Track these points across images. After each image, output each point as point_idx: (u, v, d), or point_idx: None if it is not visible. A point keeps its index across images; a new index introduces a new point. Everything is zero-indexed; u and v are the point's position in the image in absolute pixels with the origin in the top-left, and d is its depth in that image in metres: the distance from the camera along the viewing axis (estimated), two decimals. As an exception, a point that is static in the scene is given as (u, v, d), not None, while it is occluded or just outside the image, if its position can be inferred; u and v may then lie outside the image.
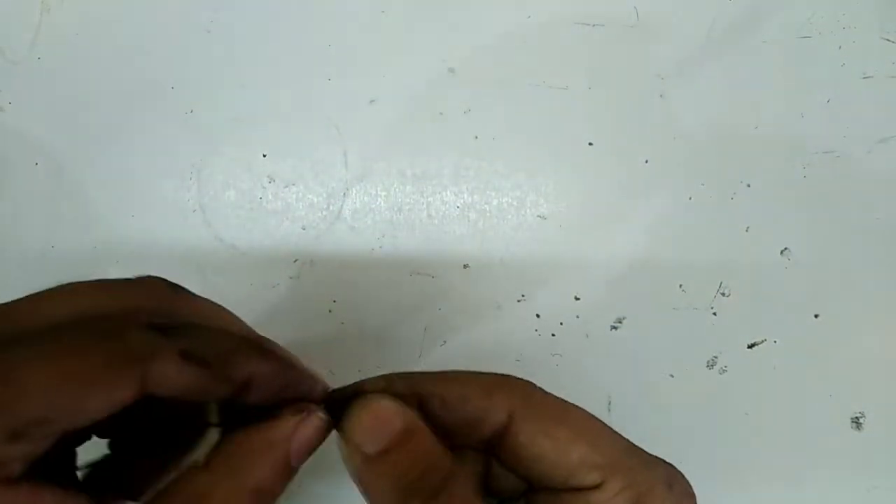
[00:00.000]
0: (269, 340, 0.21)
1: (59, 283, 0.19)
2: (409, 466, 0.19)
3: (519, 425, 0.20)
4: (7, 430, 0.15)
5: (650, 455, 0.21)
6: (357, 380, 0.22)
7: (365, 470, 0.19)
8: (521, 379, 0.22)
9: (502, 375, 0.21)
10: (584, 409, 0.21)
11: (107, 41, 0.37)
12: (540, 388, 0.21)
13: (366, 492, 0.19)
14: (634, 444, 0.21)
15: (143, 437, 0.22)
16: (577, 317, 0.35)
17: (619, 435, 0.21)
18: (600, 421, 0.21)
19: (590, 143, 0.36)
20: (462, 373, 0.22)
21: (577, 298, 0.35)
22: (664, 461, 0.21)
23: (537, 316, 0.35)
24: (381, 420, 0.19)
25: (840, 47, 0.36)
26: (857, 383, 0.34)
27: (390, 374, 0.21)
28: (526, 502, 0.22)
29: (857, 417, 0.34)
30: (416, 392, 0.21)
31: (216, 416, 0.21)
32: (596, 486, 0.20)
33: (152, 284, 0.20)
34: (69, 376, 0.16)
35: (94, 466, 0.21)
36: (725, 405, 0.34)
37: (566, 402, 0.21)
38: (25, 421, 0.15)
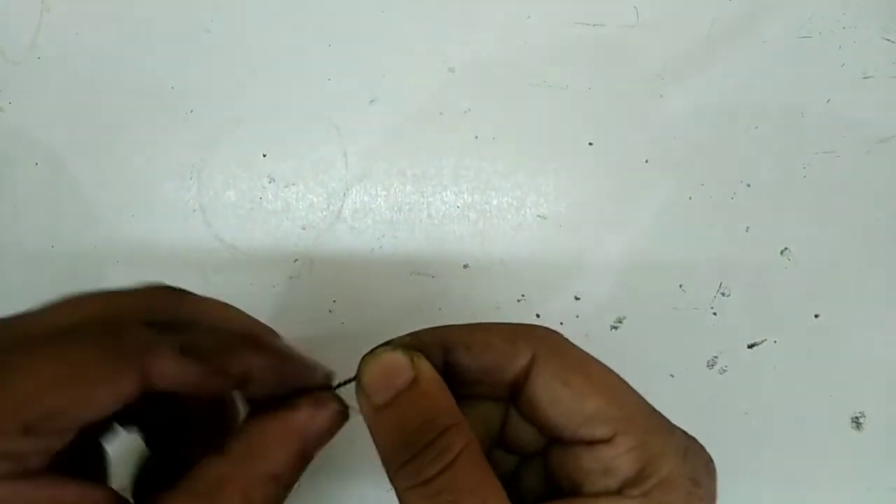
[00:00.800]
0: (270, 332, 0.22)
1: (61, 289, 0.20)
2: (409, 418, 0.20)
3: (539, 371, 0.20)
4: (19, 425, 0.16)
5: (672, 424, 0.21)
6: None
7: (372, 418, 0.20)
8: (547, 328, 0.22)
9: (528, 325, 0.22)
10: (607, 367, 0.21)
11: (107, 41, 0.37)
12: (565, 339, 0.22)
13: (374, 438, 0.20)
14: (657, 411, 0.21)
15: (173, 431, 0.22)
16: (577, 317, 0.35)
17: (642, 398, 0.21)
18: (623, 381, 0.21)
19: (590, 143, 0.36)
20: (489, 323, 0.22)
21: (577, 298, 0.35)
22: (687, 434, 0.21)
23: (537, 316, 0.35)
24: (387, 372, 0.20)
25: (840, 47, 0.36)
26: (857, 383, 0.34)
27: (420, 329, 0.22)
28: (541, 457, 0.22)
29: (857, 417, 0.34)
30: (441, 341, 0.21)
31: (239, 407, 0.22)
32: (606, 441, 0.19)
33: (152, 289, 0.21)
34: (72, 372, 0.17)
35: (142, 469, 0.22)
36: (725, 405, 0.34)
37: (589, 355, 0.21)
38: (36, 416, 0.16)
